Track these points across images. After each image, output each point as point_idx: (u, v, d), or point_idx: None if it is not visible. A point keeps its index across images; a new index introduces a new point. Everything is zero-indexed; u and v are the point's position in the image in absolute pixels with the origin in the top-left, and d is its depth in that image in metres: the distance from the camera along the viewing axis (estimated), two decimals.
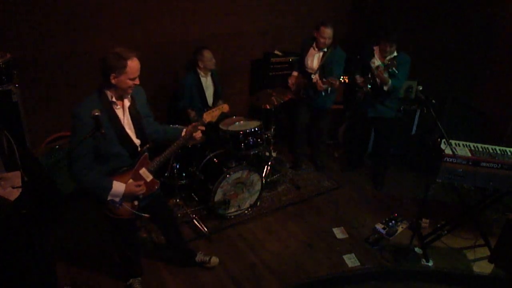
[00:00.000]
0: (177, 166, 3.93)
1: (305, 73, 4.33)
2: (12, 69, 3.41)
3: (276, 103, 4.14)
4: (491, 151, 3.26)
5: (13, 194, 2.64)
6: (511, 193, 3.28)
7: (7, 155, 3.07)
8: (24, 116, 3.55)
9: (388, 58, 3.99)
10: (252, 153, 3.98)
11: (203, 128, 2.71)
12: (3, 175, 2.86)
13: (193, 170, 3.98)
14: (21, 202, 2.62)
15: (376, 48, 4.09)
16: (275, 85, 4.71)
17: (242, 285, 3.23)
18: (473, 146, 3.32)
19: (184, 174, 4.04)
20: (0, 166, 2.94)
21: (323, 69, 4.18)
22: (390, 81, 3.92)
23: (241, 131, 3.89)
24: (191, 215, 3.81)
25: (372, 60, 4.09)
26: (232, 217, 3.94)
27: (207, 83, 4.25)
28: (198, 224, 3.73)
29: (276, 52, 5.26)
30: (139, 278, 3.11)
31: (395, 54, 3.99)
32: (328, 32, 4.03)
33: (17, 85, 3.40)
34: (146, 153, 2.57)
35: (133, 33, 4.30)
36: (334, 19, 4.20)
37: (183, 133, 2.68)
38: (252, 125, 4.01)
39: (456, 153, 3.13)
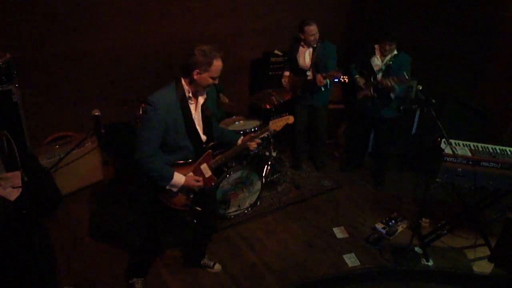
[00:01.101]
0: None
1: (299, 72, 4.33)
2: (12, 69, 3.42)
3: (276, 102, 4.14)
4: (491, 150, 3.26)
5: (13, 194, 2.65)
6: (511, 192, 3.28)
7: (7, 155, 3.08)
8: (24, 116, 3.55)
9: (388, 57, 4.00)
10: (252, 152, 3.98)
11: (260, 141, 2.85)
12: (3, 175, 2.86)
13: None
14: (21, 202, 2.62)
15: (377, 47, 4.10)
16: (275, 85, 4.72)
17: (242, 285, 3.23)
18: (473, 145, 3.32)
19: None
20: (0, 166, 2.95)
21: (316, 64, 4.19)
22: (397, 88, 3.93)
23: (241, 130, 3.89)
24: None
25: (372, 59, 4.10)
26: (232, 216, 3.94)
27: None
28: None
29: (276, 52, 5.26)
30: (142, 279, 3.11)
31: (395, 52, 4.00)
32: (312, 29, 4.04)
33: (17, 85, 3.41)
34: (210, 150, 2.68)
35: (133, 33, 4.31)
36: (334, 19, 4.20)
37: (239, 141, 2.82)
38: (252, 124, 4.01)
39: (456, 152, 3.13)
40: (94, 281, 3.16)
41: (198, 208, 2.73)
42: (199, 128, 2.59)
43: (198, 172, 2.66)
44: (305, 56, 4.25)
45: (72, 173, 3.90)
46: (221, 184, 3.69)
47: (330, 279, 3.39)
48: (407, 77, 3.72)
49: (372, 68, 4.13)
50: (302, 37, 4.13)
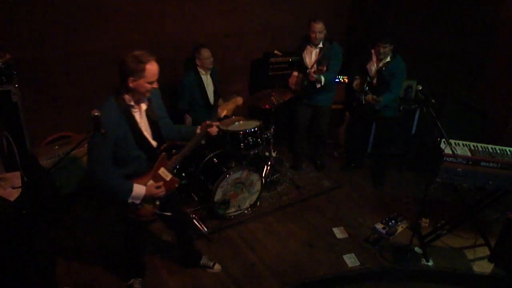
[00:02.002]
0: (177, 166, 3.93)
1: (303, 70, 4.34)
2: (12, 69, 3.41)
3: (276, 103, 4.14)
4: (490, 150, 3.26)
5: (13, 194, 2.64)
6: (511, 192, 3.28)
7: (7, 155, 3.08)
8: (23, 116, 3.55)
9: (381, 63, 4.02)
10: (252, 153, 3.98)
11: (218, 123, 2.73)
12: (3, 176, 2.86)
13: (193, 170, 3.98)
14: (21, 203, 2.62)
15: (373, 51, 4.14)
16: (274, 85, 4.72)
17: (242, 285, 3.23)
18: (473, 145, 3.32)
19: (184, 174, 4.04)
20: None
21: (320, 63, 4.19)
22: (382, 99, 3.99)
23: (241, 131, 3.89)
24: (191, 215, 3.81)
25: (369, 64, 4.12)
26: (232, 217, 3.94)
27: (208, 81, 4.25)
28: (198, 224, 3.73)
29: (276, 52, 5.26)
30: (140, 279, 3.11)
31: (388, 59, 4.05)
32: (317, 26, 4.06)
33: (16, 86, 3.40)
34: (163, 153, 2.60)
35: (133, 33, 4.30)
36: (334, 19, 4.21)
37: (198, 130, 2.70)
38: (252, 125, 4.01)
39: (456, 152, 3.13)
40: (93, 281, 3.16)
41: (167, 214, 2.65)
42: (148, 134, 2.51)
43: (157, 178, 2.59)
44: (312, 56, 4.27)
45: (72, 173, 3.90)
46: (221, 185, 3.69)
47: (330, 279, 3.39)
48: (383, 103, 3.97)
49: (368, 74, 4.16)
50: (308, 32, 4.15)
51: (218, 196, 3.74)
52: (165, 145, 2.63)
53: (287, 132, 5.28)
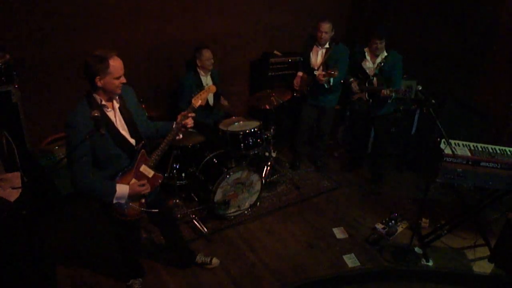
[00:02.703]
0: (177, 167, 3.94)
1: (309, 70, 4.34)
2: (12, 69, 3.41)
3: (275, 103, 4.14)
4: (490, 150, 3.26)
5: (13, 195, 2.64)
6: (511, 192, 3.28)
7: (7, 156, 3.07)
8: (23, 117, 3.55)
9: (379, 59, 4.02)
10: (251, 153, 3.98)
11: (193, 114, 2.69)
12: (3, 176, 2.86)
13: (193, 171, 3.98)
14: (21, 203, 2.62)
15: (367, 50, 4.14)
16: (274, 85, 4.72)
17: (242, 285, 3.23)
18: (473, 146, 3.32)
19: (183, 175, 4.04)
20: None
21: (326, 65, 4.19)
22: (394, 96, 3.99)
23: (240, 131, 3.89)
24: (191, 216, 3.81)
25: (364, 62, 4.12)
26: (232, 217, 3.94)
27: (207, 82, 4.25)
28: (198, 225, 3.73)
29: (276, 52, 5.26)
30: (140, 279, 3.12)
31: (385, 54, 4.05)
32: (324, 26, 4.06)
33: (16, 86, 3.40)
34: (143, 150, 2.57)
35: (133, 33, 4.30)
36: (334, 19, 4.21)
37: (174, 125, 2.67)
38: (252, 125, 4.01)
39: (455, 153, 3.13)
40: (93, 282, 3.16)
41: (154, 210, 2.64)
42: (125, 132, 2.48)
43: (140, 176, 2.56)
44: (318, 56, 4.27)
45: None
46: (221, 185, 3.69)
47: (330, 279, 3.39)
48: (403, 88, 3.87)
49: (366, 72, 4.15)
50: (316, 32, 4.15)
51: (218, 196, 3.74)
52: (143, 142, 2.59)
53: (287, 132, 5.28)
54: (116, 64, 2.29)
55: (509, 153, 3.24)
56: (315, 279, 3.35)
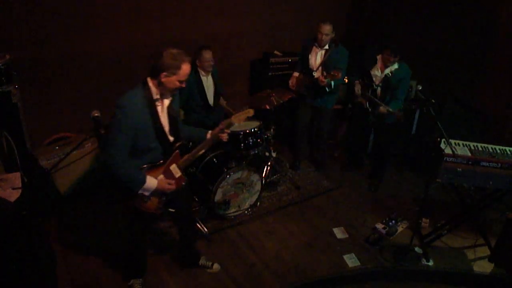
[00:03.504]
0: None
1: (307, 71, 4.33)
2: (12, 70, 3.41)
3: (275, 103, 4.14)
4: (491, 150, 3.26)
5: (13, 195, 2.64)
6: (511, 192, 3.28)
7: (7, 156, 3.08)
8: (23, 117, 3.55)
9: (388, 70, 3.96)
10: (252, 153, 3.98)
11: (229, 131, 2.84)
12: (3, 176, 2.86)
13: (193, 171, 3.98)
14: (21, 203, 2.62)
15: (379, 57, 4.04)
16: (274, 85, 4.71)
17: (242, 285, 3.23)
18: (473, 145, 3.32)
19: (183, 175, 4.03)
20: None
21: (325, 66, 4.18)
22: (392, 109, 3.92)
23: (241, 131, 3.89)
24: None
25: (373, 69, 4.08)
26: (232, 217, 3.94)
27: (208, 82, 4.24)
28: (198, 225, 3.73)
29: (276, 52, 5.26)
30: (141, 279, 3.11)
31: (396, 66, 3.95)
32: (325, 28, 4.04)
33: (16, 86, 3.40)
34: (177, 150, 2.67)
35: (133, 33, 4.31)
36: (334, 19, 4.20)
37: (208, 135, 2.81)
38: (252, 125, 4.00)
39: (456, 152, 3.13)
40: (93, 282, 3.16)
41: (171, 210, 2.72)
42: (167, 129, 2.57)
43: (168, 173, 2.64)
44: (317, 57, 4.26)
45: (72, 174, 3.90)
46: (221, 185, 3.69)
47: (330, 279, 3.40)
48: (400, 114, 3.88)
49: (372, 79, 4.12)
50: (316, 33, 4.14)
51: (218, 196, 3.74)
52: (180, 142, 2.69)
53: (287, 132, 5.28)
54: (186, 69, 2.39)
55: (509, 153, 3.24)
56: (315, 279, 3.35)
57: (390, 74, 3.95)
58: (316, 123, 4.66)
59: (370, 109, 4.17)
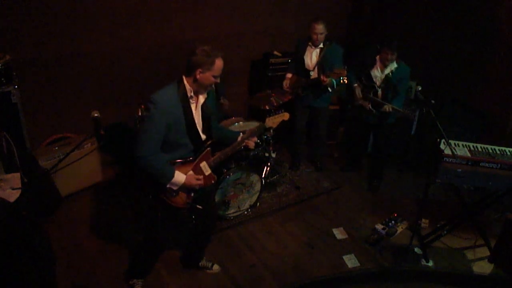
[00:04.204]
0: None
1: (303, 72, 4.32)
2: (11, 70, 3.41)
3: (275, 104, 4.14)
4: (490, 151, 3.26)
5: (13, 195, 2.64)
6: (511, 193, 3.28)
7: (7, 156, 3.07)
8: (23, 117, 3.55)
9: (388, 70, 3.97)
10: (251, 153, 3.98)
11: (256, 138, 2.93)
12: (3, 177, 2.85)
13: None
14: (21, 204, 2.62)
15: (378, 58, 4.05)
16: (274, 86, 4.71)
17: (242, 286, 3.23)
18: (473, 146, 3.32)
19: None
20: None
21: (322, 65, 4.18)
22: (396, 106, 3.95)
23: (240, 132, 3.88)
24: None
25: (373, 70, 4.09)
26: (232, 218, 3.94)
27: None
28: None
29: (275, 52, 5.26)
30: (142, 280, 3.11)
31: (395, 65, 3.98)
32: (318, 27, 4.05)
33: (16, 87, 3.40)
34: (209, 148, 2.71)
35: (133, 33, 4.31)
36: (334, 19, 4.20)
37: (239, 138, 2.86)
38: (251, 125, 4.01)
39: (455, 153, 3.12)
40: (94, 282, 3.16)
41: (199, 206, 2.75)
42: (199, 127, 2.62)
43: (198, 170, 2.68)
44: (312, 57, 4.25)
45: (72, 174, 3.90)
46: (220, 185, 3.69)
47: (330, 279, 3.39)
48: (407, 110, 3.92)
49: (372, 80, 4.12)
50: (309, 32, 4.14)
51: (218, 197, 3.74)
52: (212, 140, 2.73)
53: (286, 133, 5.28)
54: (220, 64, 2.46)
55: (508, 153, 3.24)
56: (315, 280, 3.35)
57: (390, 73, 3.97)
58: (314, 124, 4.65)
59: (374, 111, 4.16)
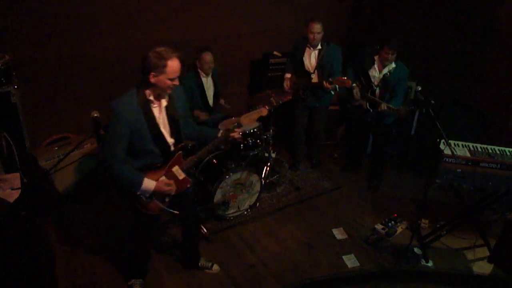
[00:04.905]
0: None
1: (303, 73, 4.32)
2: (11, 70, 3.41)
3: (275, 104, 4.14)
4: (490, 151, 3.26)
5: (13, 195, 2.64)
6: (511, 193, 3.28)
7: (6, 156, 3.07)
8: (23, 117, 3.55)
9: (386, 70, 3.98)
10: (251, 154, 3.98)
11: (240, 129, 2.79)
12: (2, 177, 2.86)
13: (193, 171, 3.98)
14: (21, 204, 2.62)
15: (376, 58, 4.06)
16: (274, 86, 4.71)
17: (242, 286, 3.23)
18: (472, 146, 3.32)
19: None
20: None
21: (322, 67, 4.18)
22: (394, 106, 3.94)
23: (240, 132, 3.88)
24: None
25: (371, 70, 4.09)
26: (232, 218, 3.94)
27: (208, 83, 4.24)
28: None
29: (275, 53, 5.26)
30: (141, 280, 3.11)
31: (394, 66, 3.99)
32: (316, 26, 4.04)
33: (16, 87, 3.40)
34: (180, 152, 2.63)
35: (133, 34, 4.31)
36: (334, 19, 4.20)
37: (219, 134, 2.75)
38: (251, 126, 4.01)
39: (455, 153, 3.13)
40: (93, 282, 3.16)
41: (175, 212, 2.69)
42: (165, 131, 2.54)
43: (170, 175, 2.62)
44: (311, 58, 4.25)
45: (72, 174, 3.90)
46: (220, 185, 3.69)
47: (330, 280, 3.39)
48: (404, 108, 3.85)
49: (370, 80, 4.13)
50: (306, 32, 4.13)
51: (217, 197, 3.74)
52: (182, 144, 2.67)
53: (286, 133, 5.28)
54: (174, 66, 2.33)
55: (508, 153, 3.24)
56: (314, 280, 3.35)
57: (388, 74, 3.97)
58: (313, 123, 4.65)
59: (371, 110, 4.16)
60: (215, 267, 3.32)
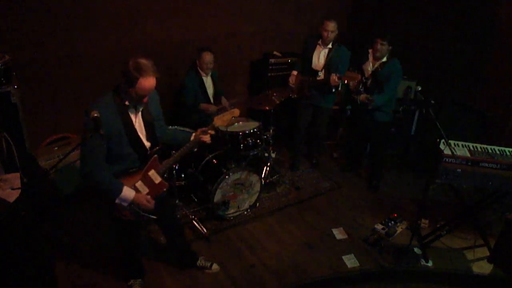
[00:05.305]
0: (176, 167, 3.93)
1: (310, 71, 4.32)
2: (11, 70, 3.41)
3: (277, 101, 4.15)
4: (490, 151, 3.26)
5: (12, 195, 2.64)
6: (511, 193, 3.28)
7: (6, 156, 3.07)
8: (23, 117, 3.55)
9: (377, 63, 3.99)
10: (251, 154, 3.98)
11: (213, 132, 2.74)
12: (2, 177, 2.86)
13: (192, 171, 3.98)
14: (20, 204, 2.62)
15: (370, 51, 4.12)
16: (274, 86, 4.72)
17: (241, 286, 3.22)
18: (472, 146, 3.32)
19: (183, 175, 4.04)
20: None
21: (329, 66, 4.18)
22: (375, 100, 3.97)
23: (240, 132, 3.89)
24: (190, 216, 3.81)
25: (365, 64, 4.11)
26: (232, 218, 3.94)
27: (208, 82, 4.26)
28: (197, 225, 3.73)
29: (275, 53, 5.26)
30: (140, 280, 3.11)
31: (384, 59, 4.00)
32: (330, 25, 4.05)
33: (16, 87, 3.40)
34: (155, 156, 2.61)
35: (133, 33, 4.31)
36: (334, 19, 4.19)
37: (192, 137, 2.73)
38: (251, 126, 4.01)
39: (455, 153, 3.12)
40: (93, 282, 3.16)
41: (153, 217, 2.63)
42: (142, 135, 2.52)
43: (147, 179, 2.59)
44: (320, 56, 4.25)
45: (72, 174, 3.90)
46: (220, 185, 3.69)
47: (330, 280, 3.39)
48: (376, 102, 3.93)
49: (363, 73, 4.15)
50: (320, 30, 4.13)
51: (217, 197, 3.74)
52: (158, 147, 2.63)
53: (286, 133, 5.28)
54: (145, 85, 2.29)
55: (508, 153, 3.24)
56: (314, 280, 3.35)
57: (379, 67, 4.00)
58: (315, 122, 4.65)
59: (358, 101, 4.18)
60: (215, 267, 3.32)
